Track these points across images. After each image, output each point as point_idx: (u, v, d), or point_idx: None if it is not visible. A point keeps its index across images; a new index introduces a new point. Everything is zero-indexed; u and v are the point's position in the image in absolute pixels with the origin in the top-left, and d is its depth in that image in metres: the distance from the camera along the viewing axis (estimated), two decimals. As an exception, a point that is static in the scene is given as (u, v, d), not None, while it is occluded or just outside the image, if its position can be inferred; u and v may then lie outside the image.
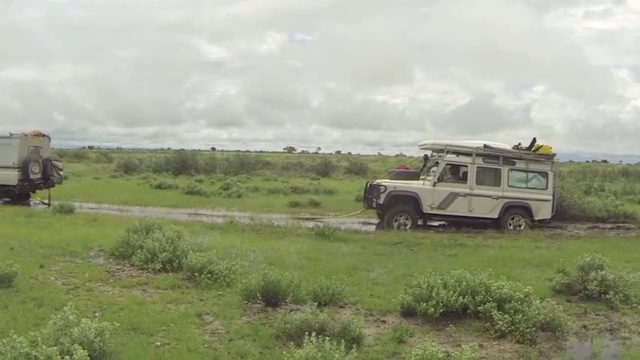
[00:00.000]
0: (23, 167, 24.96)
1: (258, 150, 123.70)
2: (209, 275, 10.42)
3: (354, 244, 15.89)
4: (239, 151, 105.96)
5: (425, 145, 23.08)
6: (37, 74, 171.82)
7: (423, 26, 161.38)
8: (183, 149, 77.37)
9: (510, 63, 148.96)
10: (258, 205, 27.45)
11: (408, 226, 20.26)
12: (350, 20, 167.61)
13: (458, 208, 20.59)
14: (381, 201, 20.61)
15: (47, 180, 26.16)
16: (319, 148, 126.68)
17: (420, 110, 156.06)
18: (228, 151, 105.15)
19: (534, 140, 21.54)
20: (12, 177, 24.93)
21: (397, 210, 20.53)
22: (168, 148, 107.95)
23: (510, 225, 20.50)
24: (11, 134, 25.88)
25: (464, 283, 8.73)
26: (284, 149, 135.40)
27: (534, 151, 21.21)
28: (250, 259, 13.11)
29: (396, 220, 20.39)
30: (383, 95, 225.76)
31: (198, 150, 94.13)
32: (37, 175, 25.54)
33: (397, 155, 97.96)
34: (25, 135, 26.08)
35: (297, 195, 32.54)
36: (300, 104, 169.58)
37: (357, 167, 62.91)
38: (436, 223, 21.42)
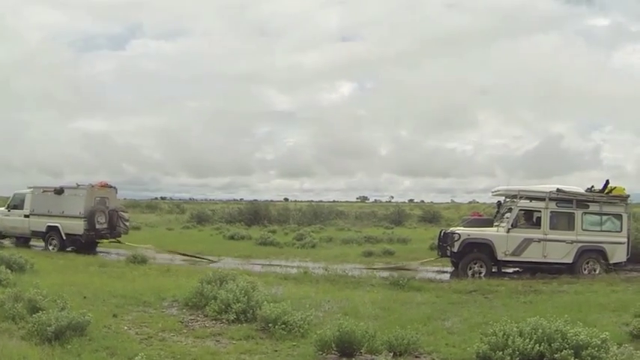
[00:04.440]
0: (89, 217, 26.18)
1: (331, 200, 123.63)
2: (283, 326, 10.36)
3: (428, 293, 15.79)
4: (312, 201, 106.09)
5: (498, 191, 22.98)
6: (108, 125, 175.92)
7: (483, 70, 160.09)
8: (256, 200, 78.23)
9: (578, 103, 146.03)
10: (332, 255, 27.29)
11: (483, 273, 20.01)
12: (415, 67, 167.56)
13: (532, 254, 20.23)
14: (455, 249, 20.45)
15: (113, 230, 27.27)
16: (392, 197, 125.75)
17: (489, 156, 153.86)
18: (301, 201, 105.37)
19: (607, 182, 21.15)
20: (79, 226, 26.20)
21: (471, 257, 20.32)
22: (241, 199, 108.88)
23: (585, 269, 19.98)
24: (78, 185, 27.31)
25: (540, 330, 8.56)
26: (357, 198, 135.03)
27: (607, 192, 20.78)
28: (324, 309, 13.05)
29: (470, 268, 20.18)
30: (450, 141, 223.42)
31: (271, 200, 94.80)
32: (104, 225, 26.67)
33: (470, 202, 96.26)
34: (92, 186, 27.39)
35: (370, 244, 32.40)
36: (370, 153, 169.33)
37: (430, 215, 61.93)
38: (510, 270, 21.14)
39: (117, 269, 19.73)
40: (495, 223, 21.92)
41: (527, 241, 20.25)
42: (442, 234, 21.86)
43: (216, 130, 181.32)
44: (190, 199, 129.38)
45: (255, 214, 56.41)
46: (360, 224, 56.12)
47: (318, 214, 61.27)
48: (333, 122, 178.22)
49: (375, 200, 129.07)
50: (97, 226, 26.47)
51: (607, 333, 8.44)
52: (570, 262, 20.12)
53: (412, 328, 9.86)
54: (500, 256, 20.32)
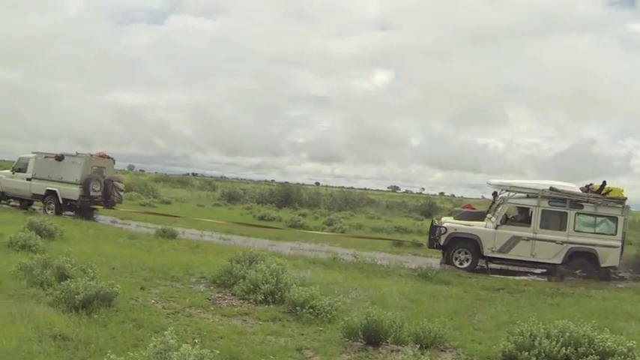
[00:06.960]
0: (85, 184, 27.30)
1: (362, 187, 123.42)
2: (311, 310, 10.37)
3: (456, 288, 15.74)
4: (343, 187, 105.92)
5: (492, 183, 22.43)
6: (141, 99, 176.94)
7: (518, 66, 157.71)
8: (287, 182, 78.25)
9: (612, 108, 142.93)
10: (362, 242, 26.85)
11: (468, 263, 19.99)
12: (450, 59, 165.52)
13: (520, 252, 19.84)
14: (442, 242, 20.31)
15: (108, 198, 28.42)
16: (423, 189, 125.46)
17: (520, 154, 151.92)
18: (332, 186, 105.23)
19: (604, 183, 20.48)
20: (74, 192, 27.40)
21: (457, 251, 20.26)
22: (272, 180, 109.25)
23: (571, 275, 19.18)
24: (77, 153, 28.48)
25: (567, 333, 8.51)
26: (388, 188, 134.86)
27: (604, 194, 20.17)
28: (352, 296, 13.00)
29: (455, 259, 20.17)
30: (482, 137, 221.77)
31: (302, 184, 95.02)
32: (98, 192, 27.75)
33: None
34: (91, 155, 28.53)
35: (400, 234, 32.35)
36: (402, 143, 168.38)
37: (460, 210, 61.46)
38: (539, 271, 20.82)
39: (146, 242, 19.80)
40: (488, 215, 21.51)
41: (516, 239, 19.82)
42: (432, 225, 21.54)
43: (249, 110, 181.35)
44: (222, 177, 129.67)
45: (286, 196, 55.90)
46: (390, 213, 55.81)
47: (349, 201, 60.98)
48: (367, 110, 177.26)
49: (407, 191, 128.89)
50: (92, 194, 27.52)
51: (634, 342, 8.40)
52: (559, 262, 19.57)
53: (439, 322, 9.74)
54: (487, 252, 19.97)
